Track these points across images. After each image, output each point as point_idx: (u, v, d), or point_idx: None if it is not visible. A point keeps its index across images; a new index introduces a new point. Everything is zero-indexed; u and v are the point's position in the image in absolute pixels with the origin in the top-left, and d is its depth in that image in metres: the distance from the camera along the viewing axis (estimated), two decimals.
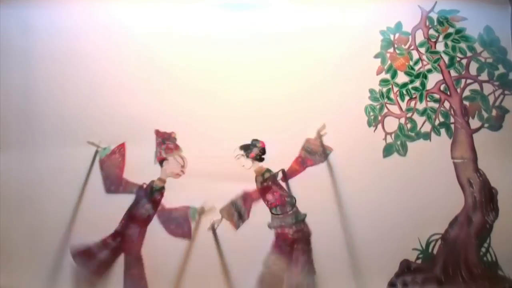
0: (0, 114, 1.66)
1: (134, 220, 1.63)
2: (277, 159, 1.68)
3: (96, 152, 1.66)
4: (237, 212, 1.64)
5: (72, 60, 1.69)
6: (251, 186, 1.66)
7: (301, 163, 1.67)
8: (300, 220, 1.65)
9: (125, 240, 1.62)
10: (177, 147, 1.66)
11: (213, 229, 1.63)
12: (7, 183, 1.63)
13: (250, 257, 1.62)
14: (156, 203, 1.65)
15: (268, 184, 1.66)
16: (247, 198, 1.65)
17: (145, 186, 1.65)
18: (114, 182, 1.65)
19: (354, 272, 1.63)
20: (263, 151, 1.67)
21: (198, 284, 1.61)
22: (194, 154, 1.67)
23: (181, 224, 1.64)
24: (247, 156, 1.67)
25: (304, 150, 1.67)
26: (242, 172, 1.66)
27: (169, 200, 1.66)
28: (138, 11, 1.72)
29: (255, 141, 1.67)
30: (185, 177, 1.66)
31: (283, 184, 1.67)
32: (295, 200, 1.66)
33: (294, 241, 1.64)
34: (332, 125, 1.69)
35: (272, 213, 1.65)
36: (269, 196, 1.66)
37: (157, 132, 1.67)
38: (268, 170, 1.67)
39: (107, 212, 1.63)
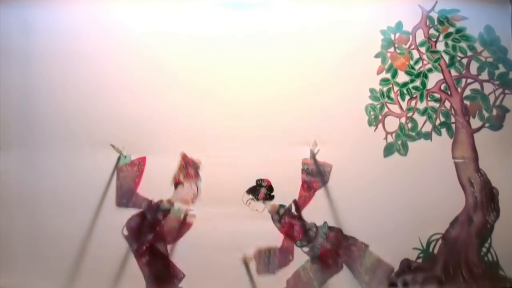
0: (0, 114, 1.66)
1: (141, 232, 1.64)
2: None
3: (119, 158, 1.65)
4: (267, 259, 1.63)
5: (72, 60, 1.69)
6: None
7: (308, 188, 1.66)
8: (326, 232, 1.64)
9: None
10: (196, 176, 1.65)
11: (245, 264, 1.62)
12: (7, 183, 1.63)
13: None
14: (157, 221, 1.64)
15: (285, 220, 1.65)
16: (282, 252, 1.63)
17: (153, 203, 1.65)
18: (126, 196, 1.65)
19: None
20: (270, 189, 1.66)
21: None
22: (194, 152, 1.67)
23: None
24: (257, 199, 1.65)
25: (305, 173, 1.67)
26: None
27: None
28: (138, 11, 1.71)
29: (260, 181, 1.66)
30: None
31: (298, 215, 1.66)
32: (316, 227, 1.65)
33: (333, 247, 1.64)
34: (332, 125, 1.69)
35: (301, 248, 1.64)
36: (293, 231, 1.64)
37: (184, 156, 1.66)
38: (281, 206, 1.66)
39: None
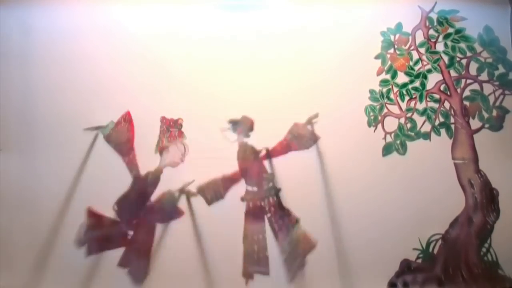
0: (0, 115, 1.66)
1: (129, 209, 1.64)
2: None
3: (96, 136, 1.65)
4: (214, 190, 1.65)
5: (72, 62, 1.69)
6: None
7: (286, 146, 1.68)
8: (273, 193, 1.66)
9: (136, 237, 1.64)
10: (181, 134, 1.66)
11: (187, 197, 1.65)
12: (7, 184, 1.64)
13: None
14: (147, 195, 1.65)
15: (248, 158, 1.67)
16: (226, 180, 1.66)
17: (141, 176, 1.66)
18: (127, 144, 1.65)
19: (354, 271, 1.63)
20: (250, 128, 1.68)
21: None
22: (193, 154, 1.67)
23: (168, 211, 1.65)
24: (234, 131, 1.67)
25: (290, 133, 1.68)
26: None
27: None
28: (138, 13, 1.72)
29: (244, 117, 1.68)
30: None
31: (265, 163, 1.68)
32: (274, 177, 1.67)
33: (265, 209, 1.66)
34: (332, 125, 1.69)
35: (246, 185, 1.67)
36: (246, 169, 1.67)
37: (163, 119, 1.67)
38: (251, 147, 1.68)
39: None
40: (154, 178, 1.65)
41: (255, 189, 1.66)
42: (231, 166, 1.67)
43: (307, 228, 1.65)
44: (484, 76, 1.73)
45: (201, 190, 1.65)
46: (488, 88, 1.73)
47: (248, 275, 1.63)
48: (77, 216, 1.63)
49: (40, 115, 1.67)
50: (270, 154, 1.67)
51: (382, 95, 1.72)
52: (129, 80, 1.69)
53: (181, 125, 1.66)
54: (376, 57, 1.73)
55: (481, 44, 1.74)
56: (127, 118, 1.66)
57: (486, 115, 1.72)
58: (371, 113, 1.71)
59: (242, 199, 1.66)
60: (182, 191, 1.65)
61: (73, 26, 1.70)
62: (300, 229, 1.65)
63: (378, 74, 1.72)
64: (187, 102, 1.69)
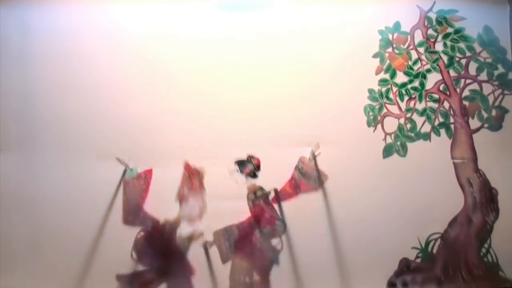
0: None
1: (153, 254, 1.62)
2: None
3: (125, 170, 1.62)
4: (228, 242, 1.62)
5: (71, 62, 1.69)
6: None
7: (295, 187, 1.65)
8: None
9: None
10: (201, 187, 1.62)
11: (205, 248, 1.61)
12: (7, 185, 1.63)
13: None
14: (168, 240, 1.62)
15: (259, 202, 1.65)
16: (242, 231, 1.63)
17: (160, 223, 1.62)
18: (133, 213, 1.61)
19: (354, 271, 1.63)
20: (257, 168, 1.66)
21: None
22: (192, 155, 1.66)
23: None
24: (241, 172, 1.65)
25: (297, 170, 1.66)
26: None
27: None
28: (137, 13, 1.72)
29: (250, 157, 1.66)
30: None
31: (275, 206, 1.65)
32: (285, 228, 1.64)
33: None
34: (331, 125, 1.69)
35: (261, 233, 1.64)
36: (259, 216, 1.64)
37: (187, 166, 1.64)
38: (261, 188, 1.65)
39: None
40: (171, 229, 1.61)
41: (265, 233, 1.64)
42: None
43: (306, 228, 1.65)
44: (483, 76, 1.73)
45: (217, 238, 1.62)
46: (487, 88, 1.73)
47: None
48: (76, 217, 1.63)
49: (39, 115, 1.67)
50: (280, 196, 1.64)
51: (381, 94, 1.71)
52: (129, 80, 1.69)
53: (203, 176, 1.63)
54: (375, 56, 1.73)
55: (481, 44, 1.74)
56: (148, 178, 1.62)
57: (485, 115, 1.72)
58: (371, 113, 1.70)
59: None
60: (191, 239, 1.61)
61: (72, 26, 1.70)
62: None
63: (377, 73, 1.72)
64: (187, 102, 1.69)
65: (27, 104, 1.68)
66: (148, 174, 1.63)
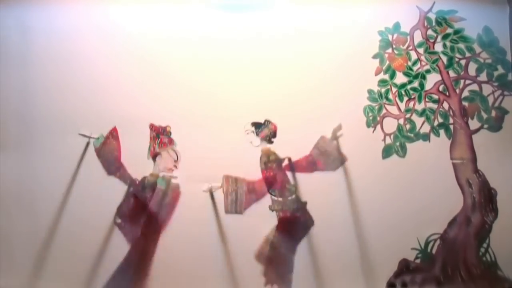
0: None
1: (130, 219, 1.64)
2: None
3: (88, 143, 1.66)
4: (235, 195, 1.64)
5: (70, 62, 1.70)
6: None
7: (311, 163, 1.67)
8: (300, 206, 1.65)
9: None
10: (171, 141, 1.67)
11: (210, 193, 1.64)
12: (6, 184, 1.64)
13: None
14: (146, 200, 1.65)
15: (272, 165, 1.66)
16: (251, 190, 1.65)
17: (137, 182, 1.66)
18: (114, 163, 1.65)
19: (353, 271, 1.63)
20: (274, 134, 1.67)
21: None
22: (191, 155, 1.67)
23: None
24: (257, 134, 1.67)
25: (316, 148, 1.67)
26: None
27: None
28: (136, 13, 1.72)
29: (267, 122, 1.67)
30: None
31: (288, 173, 1.67)
32: (296, 189, 1.66)
33: (296, 221, 1.65)
34: (331, 126, 1.69)
35: (270, 194, 1.66)
36: (270, 178, 1.66)
37: (152, 126, 1.67)
38: (274, 153, 1.67)
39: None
40: (151, 183, 1.65)
41: (280, 199, 1.66)
42: (253, 172, 1.68)
43: None
44: (483, 76, 1.73)
45: (226, 183, 1.65)
46: (487, 89, 1.73)
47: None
48: (76, 215, 1.63)
49: (39, 115, 1.68)
50: (293, 167, 1.66)
51: (380, 95, 1.71)
52: (128, 80, 1.69)
53: (170, 132, 1.67)
54: (374, 57, 1.73)
55: (480, 45, 1.74)
56: (114, 135, 1.66)
57: (485, 116, 1.72)
58: (370, 114, 1.71)
59: (270, 208, 1.65)
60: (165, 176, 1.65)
61: (71, 26, 1.71)
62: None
63: (377, 74, 1.72)
64: (187, 102, 1.69)
65: (26, 104, 1.68)
66: (114, 132, 1.67)
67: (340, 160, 1.67)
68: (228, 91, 1.70)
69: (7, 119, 1.67)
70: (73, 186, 1.65)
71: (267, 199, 1.66)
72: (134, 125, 1.68)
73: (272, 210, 1.65)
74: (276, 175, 1.66)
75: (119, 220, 1.64)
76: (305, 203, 1.66)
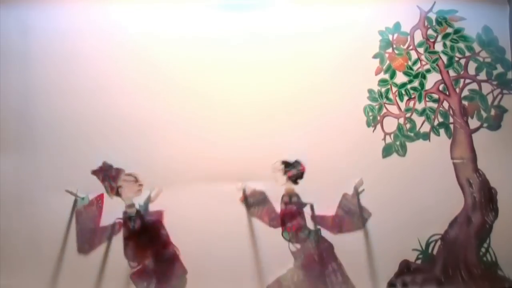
0: None
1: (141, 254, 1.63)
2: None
3: (75, 201, 1.63)
4: (257, 203, 1.64)
5: (71, 62, 1.68)
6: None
7: (338, 225, 1.64)
8: (317, 238, 1.64)
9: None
10: (118, 171, 1.64)
11: (244, 194, 1.64)
12: (7, 185, 1.63)
13: None
14: (146, 227, 1.63)
15: (292, 208, 1.64)
16: (271, 212, 1.64)
17: (121, 222, 1.63)
18: (88, 240, 1.61)
19: (353, 272, 1.63)
20: (301, 175, 1.66)
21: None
22: (188, 155, 1.66)
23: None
24: (285, 173, 1.66)
25: (340, 208, 1.65)
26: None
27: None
28: (137, 13, 1.71)
29: (297, 163, 1.66)
30: (180, 179, 1.66)
31: (306, 217, 1.65)
32: (309, 233, 1.64)
33: (320, 261, 1.63)
34: (331, 125, 1.69)
35: (283, 236, 1.64)
36: (287, 219, 1.64)
37: (94, 172, 1.64)
38: (297, 196, 1.66)
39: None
40: (134, 214, 1.63)
41: (287, 237, 1.64)
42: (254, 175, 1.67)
43: None
44: (482, 75, 1.73)
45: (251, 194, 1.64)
46: (486, 88, 1.73)
47: None
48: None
49: (39, 115, 1.66)
50: (316, 219, 1.64)
51: (381, 95, 1.71)
52: (129, 80, 1.68)
53: (110, 166, 1.64)
54: (374, 57, 1.73)
55: (480, 44, 1.74)
56: (100, 204, 1.63)
57: (484, 115, 1.72)
58: (370, 113, 1.70)
59: (293, 252, 1.63)
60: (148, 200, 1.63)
61: (72, 26, 1.69)
62: None
63: (377, 73, 1.72)
64: (187, 103, 1.68)
65: (27, 104, 1.67)
66: (99, 199, 1.63)
67: (363, 217, 1.65)
68: (227, 92, 1.69)
69: (7, 119, 1.66)
70: (74, 186, 1.64)
71: None
72: (134, 126, 1.67)
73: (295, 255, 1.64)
74: (294, 217, 1.64)
75: (134, 264, 1.62)
76: (318, 230, 1.65)
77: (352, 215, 1.65)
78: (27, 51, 1.68)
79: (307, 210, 1.64)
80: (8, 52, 1.68)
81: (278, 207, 1.65)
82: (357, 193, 1.66)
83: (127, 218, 1.63)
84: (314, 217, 1.64)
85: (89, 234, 1.61)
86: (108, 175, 1.63)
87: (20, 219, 1.62)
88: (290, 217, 1.64)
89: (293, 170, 1.65)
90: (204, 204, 1.64)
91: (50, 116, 1.67)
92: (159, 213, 1.63)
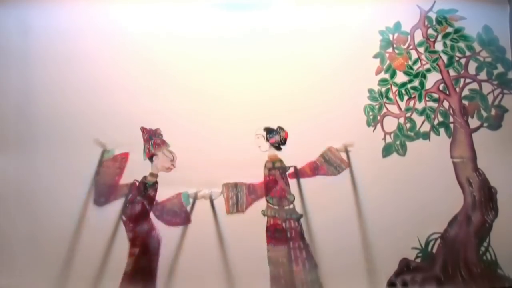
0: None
1: (137, 220, 1.64)
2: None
3: (103, 152, 1.66)
4: (236, 197, 1.65)
5: (70, 61, 1.69)
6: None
7: (314, 169, 1.67)
8: (294, 218, 1.65)
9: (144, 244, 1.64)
10: (164, 143, 1.67)
11: (210, 200, 1.65)
12: (7, 185, 1.63)
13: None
14: (151, 199, 1.65)
15: (275, 172, 1.66)
16: (251, 191, 1.66)
17: (137, 183, 1.66)
18: (105, 193, 1.65)
19: (354, 270, 1.64)
20: (284, 141, 1.68)
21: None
22: (189, 154, 1.67)
23: (177, 212, 1.65)
24: (267, 139, 1.67)
25: (322, 157, 1.67)
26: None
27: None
28: (136, 12, 1.72)
29: (280, 129, 1.68)
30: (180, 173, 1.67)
31: (290, 181, 1.67)
32: (294, 199, 1.66)
33: (286, 234, 1.64)
34: (331, 125, 1.69)
35: (267, 201, 1.66)
36: (271, 185, 1.66)
37: (143, 129, 1.67)
38: (280, 161, 1.67)
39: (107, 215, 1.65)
40: (152, 183, 1.66)
41: (276, 207, 1.66)
42: (255, 176, 1.68)
43: (305, 227, 1.66)
44: (483, 75, 1.74)
45: (226, 190, 1.65)
46: (487, 88, 1.73)
47: None
48: (76, 216, 1.63)
49: (39, 115, 1.67)
50: (298, 174, 1.67)
51: (381, 94, 1.72)
52: (129, 80, 1.69)
53: (161, 135, 1.67)
54: (375, 56, 1.73)
55: (480, 44, 1.75)
56: (123, 162, 1.66)
57: (484, 114, 1.72)
58: (370, 113, 1.71)
59: (263, 213, 1.66)
60: (196, 196, 1.66)
61: (72, 26, 1.70)
62: (317, 276, 1.63)
63: (377, 73, 1.72)
64: (187, 101, 1.69)
65: (27, 103, 1.67)
66: (124, 157, 1.66)
67: (342, 167, 1.67)
68: (227, 90, 1.70)
69: (7, 119, 1.66)
70: (74, 186, 1.64)
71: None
72: (135, 123, 1.67)
73: (264, 215, 1.66)
74: (278, 183, 1.66)
75: (124, 218, 1.64)
76: (300, 216, 1.66)
77: (331, 164, 1.67)
78: (27, 50, 1.69)
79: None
80: (9, 51, 1.69)
81: (261, 174, 1.68)
82: (345, 148, 1.68)
83: (143, 183, 1.66)
84: (297, 175, 1.67)
85: (107, 188, 1.65)
86: (153, 138, 1.67)
87: (20, 218, 1.62)
88: (273, 183, 1.66)
89: (276, 136, 1.67)
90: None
91: (50, 114, 1.67)
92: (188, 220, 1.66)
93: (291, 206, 1.66)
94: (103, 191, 1.65)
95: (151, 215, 1.65)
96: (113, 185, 1.65)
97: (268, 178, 1.67)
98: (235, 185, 1.66)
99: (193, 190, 1.66)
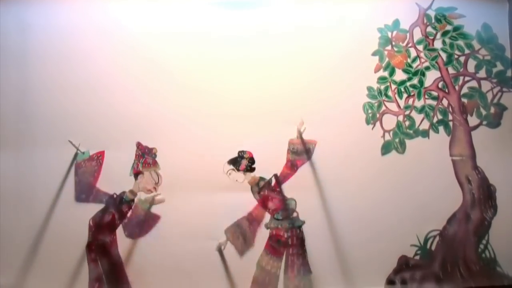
0: None
1: (102, 229, 1.63)
2: (269, 161, 1.68)
3: (76, 154, 1.65)
4: (242, 236, 1.63)
5: (69, 59, 1.69)
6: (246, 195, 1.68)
7: (291, 166, 1.67)
8: (296, 226, 1.65)
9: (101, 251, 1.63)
10: (155, 163, 1.66)
11: (220, 251, 1.62)
12: (5, 183, 1.63)
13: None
14: (123, 214, 1.64)
15: (265, 192, 1.66)
16: (252, 220, 1.65)
17: (115, 196, 1.65)
18: (85, 191, 1.64)
19: (352, 269, 1.64)
20: (252, 161, 1.66)
21: None
22: (187, 152, 1.67)
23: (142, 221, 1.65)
24: (238, 170, 1.66)
25: (290, 152, 1.67)
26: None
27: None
28: (135, 10, 1.71)
29: (241, 153, 1.66)
30: (178, 185, 1.66)
31: (279, 189, 1.67)
32: (295, 204, 1.66)
33: (287, 244, 1.64)
34: (330, 123, 1.69)
35: (275, 218, 1.65)
36: (270, 204, 1.66)
37: (139, 145, 1.66)
38: (262, 179, 1.66)
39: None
40: (129, 200, 1.65)
41: (279, 217, 1.66)
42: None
43: (305, 226, 1.66)
44: (482, 73, 1.74)
45: (231, 235, 1.64)
46: (486, 86, 1.73)
47: None
48: (76, 214, 1.63)
49: (38, 113, 1.67)
50: (280, 180, 1.66)
51: (380, 92, 1.72)
52: (129, 78, 1.69)
53: (155, 154, 1.66)
54: (374, 54, 1.73)
55: (479, 42, 1.75)
56: (100, 160, 1.66)
57: (484, 112, 1.72)
58: (369, 111, 1.71)
59: (266, 226, 1.65)
60: (151, 201, 1.65)
61: (71, 24, 1.70)
62: (310, 282, 1.63)
63: (376, 71, 1.72)
64: (186, 100, 1.69)
65: (25, 102, 1.67)
66: (99, 155, 1.66)
67: (311, 149, 1.68)
68: (227, 89, 1.70)
69: (6, 117, 1.66)
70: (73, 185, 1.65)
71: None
72: (135, 123, 1.67)
73: (267, 228, 1.65)
74: (273, 199, 1.66)
75: (91, 223, 1.64)
76: (302, 222, 1.66)
77: (300, 153, 1.67)
78: (26, 48, 1.69)
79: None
80: (7, 50, 1.69)
81: (254, 202, 1.66)
82: (300, 133, 1.67)
83: (120, 197, 1.65)
84: (279, 184, 1.66)
85: (86, 187, 1.65)
86: (145, 157, 1.66)
87: (20, 217, 1.62)
88: (270, 200, 1.66)
89: (243, 161, 1.66)
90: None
91: (49, 113, 1.67)
92: (157, 217, 1.65)
93: (295, 214, 1.66)
94: (83, 189, 1.64)
95: (120, 234, 1.64)
96: (92, 184, 1.64)
97: (261, 200, 1.66)
98: (236, 225, 1.64)
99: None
